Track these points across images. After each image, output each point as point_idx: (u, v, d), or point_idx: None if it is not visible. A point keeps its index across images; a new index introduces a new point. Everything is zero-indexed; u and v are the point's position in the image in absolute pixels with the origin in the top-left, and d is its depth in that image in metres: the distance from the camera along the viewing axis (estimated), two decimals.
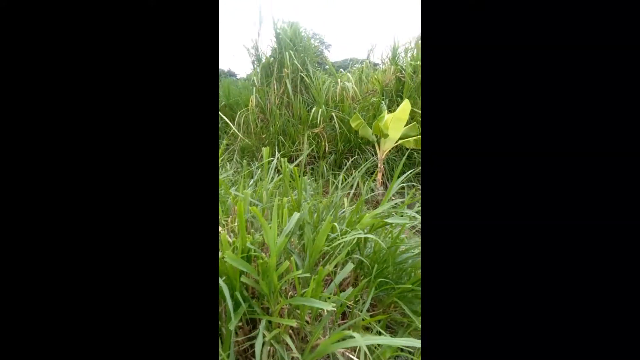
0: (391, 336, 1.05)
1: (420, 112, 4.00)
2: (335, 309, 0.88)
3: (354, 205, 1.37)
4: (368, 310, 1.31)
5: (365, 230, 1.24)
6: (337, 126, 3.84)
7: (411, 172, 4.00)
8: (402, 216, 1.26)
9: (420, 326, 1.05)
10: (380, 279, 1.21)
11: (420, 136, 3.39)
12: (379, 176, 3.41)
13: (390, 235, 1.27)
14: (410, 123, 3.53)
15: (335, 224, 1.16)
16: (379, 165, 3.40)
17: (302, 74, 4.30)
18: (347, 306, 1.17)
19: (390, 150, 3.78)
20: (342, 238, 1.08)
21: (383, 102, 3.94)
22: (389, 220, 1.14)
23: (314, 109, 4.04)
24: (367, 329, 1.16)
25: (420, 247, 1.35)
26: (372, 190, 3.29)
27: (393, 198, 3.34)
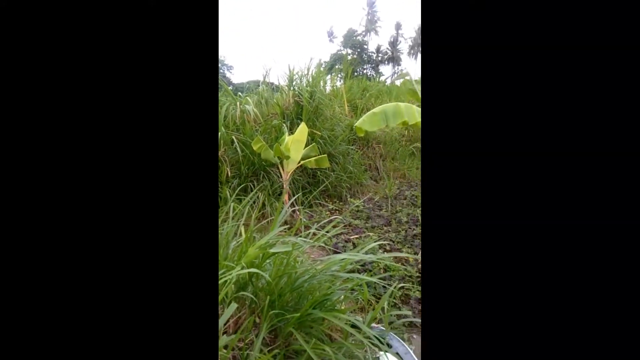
0: None
1: (319, 133, 4.24)
2: None
3: (245, 235, 1.30)
4: (268, 345, 1.24)
5: (258, 260, 1.18)
6: (239, 149, 3.73)
7: (317, 191, 4.12)
8: (288, 244, 1.25)
9: (311, 353, 1.04)
10: (275, 311, 1.16)
11: (321, 156, 3.57)
12: (286, 197, 3.42)
13: (284, 262, 1.25)
14: (310, 144, 3.69)
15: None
16: (284, 186, 3.42)
17: None
18: (239, 348, 1.07)
19: (294, 171, 3.86)
20: (223, 276, 0.99)
21: (284, 124, 4.03)
22: (273, 250, 1.11)
23: None
24: None
25: (313, 268, 1.36)
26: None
27: (302, 219, 3.39)
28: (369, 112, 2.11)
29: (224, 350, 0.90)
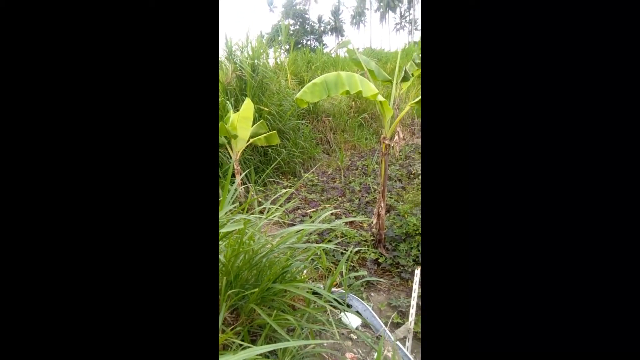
0: (250, 346, 1.01)
1: (266, 109, 4.09)
2: None
3: None
4: (231, 324, 1.24)
5: None
6: None
7: (270, 168, 4.06)
8: (240, 221, 1.22)
9: (274, 325, 1.06)
10: (234, 290, 1.15)
11: (270, 132, 3.47)
12: (237, 177, 3.31)
13: (239, 241, 1.22)
14: (257, 121, 3.56)
15: None
16: (235, 166, 3.29)
17: None
18: None
19: (244, 150, 3.73)
20: None
21: (228, 101, 3.81)
22: (223, 230, 1.08)
23: None
24: (227, 347, 1.08)
25: (273, 242, 1.37)
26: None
27: (259, 199, 3.33)
28: (309, 83, 2.07)
29: None
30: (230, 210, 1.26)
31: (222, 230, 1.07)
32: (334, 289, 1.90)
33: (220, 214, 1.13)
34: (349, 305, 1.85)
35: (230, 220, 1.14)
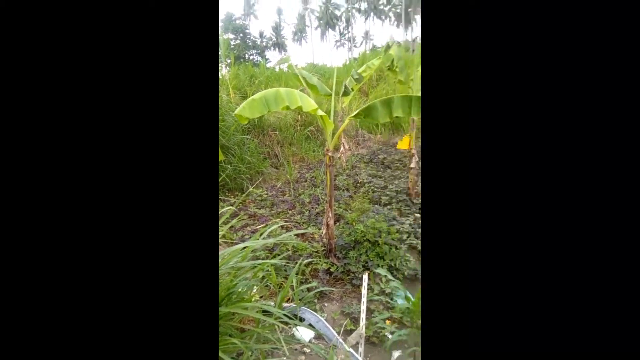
0: None
1: None
2: None
3: None
4: None
5: None
6: None
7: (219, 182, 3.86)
8: None
9: (220, 353, 1.01)
10: None
11: None
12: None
13: None
14: None
15: None
16: None
17: None
18: None
19: None
20: None
21: None
22: None
23: None
24: None
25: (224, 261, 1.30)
26: None
27: None
28: (248, 99, 2.07)
29: None
30: None
31: None
32: (286, 304, 1.87)
33: None
34: (301, 319, 1.83)
35: None
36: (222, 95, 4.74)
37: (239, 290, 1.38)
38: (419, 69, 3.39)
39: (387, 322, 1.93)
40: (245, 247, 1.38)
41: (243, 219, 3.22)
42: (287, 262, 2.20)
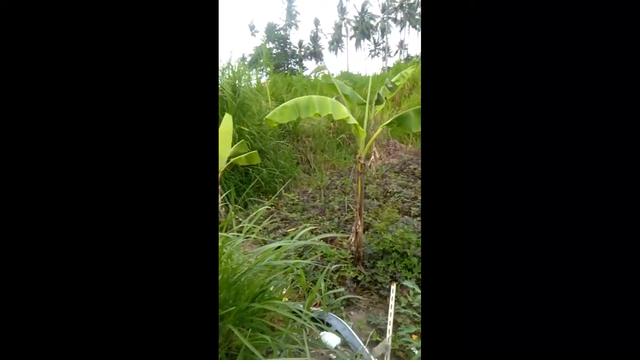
0: None
1: (246, 129, 4.14)
2: None
3: None
4: None
5: None
6: None
7: (250, 187, 4.04)
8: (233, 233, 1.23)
9: (250, 347, 1.06)
10: None
11: (251, 152, 3.50)
12: (218, 198, 3.28)
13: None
14: (238, 141, 3.59)
15: None
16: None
17: None
18: None
19: (225, 169, 3.71)
20: None
21: None
22: None
23: None
24: None
25: (248, 261, 1.37)
26: None
27: (237, 218, 3.29)
28: (280, 106, 2.16)
29: None
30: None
31: None
32: (313, 308, 1.89)
33: None
34: (328, 324, 1.84)
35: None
36: (262, 102, 4.96)
37: (271, 289, 1.43)
38: None
39: (414, 337, 1.88)
40: (278, 247, 1.43)
41: (275, 221, 3.32)
42: (318, 265, 2.24)
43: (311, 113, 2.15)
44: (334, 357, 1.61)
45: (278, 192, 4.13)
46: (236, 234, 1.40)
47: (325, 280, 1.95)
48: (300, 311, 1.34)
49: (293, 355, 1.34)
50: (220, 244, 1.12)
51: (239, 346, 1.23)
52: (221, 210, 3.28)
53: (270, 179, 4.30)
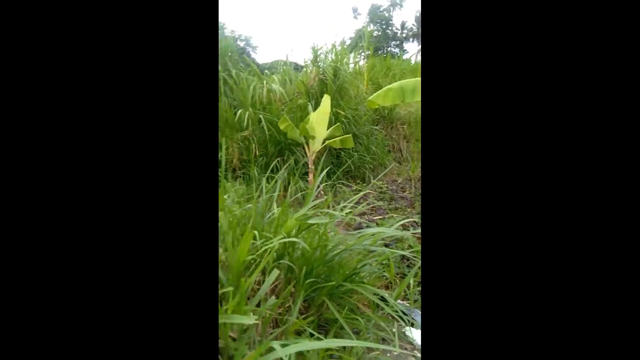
0: (321, 337, 1.05)
1: (342, 112, 4.18)
2: (257, 321, 0.84)
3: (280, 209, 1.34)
4: (302, 313, 1.30)
5: (293, 232, 1.22)
6: (265, 128, 3.77)
7: (340, 171, 4.13)
8: (326, 215, 1.28)
9: (343, 323, 1.08)
10: (310, 280, 1.21)
11: (346, 135, 3.54)
12: (310, 177, 3.46)
13: (317, 235, 1.29)
14: (334, 124, 3.66)
15: (255, 231, 1.12)
16: (310, 165, 3.44)
17: (223, 75, 4.10)
18: (279, 313, 1.14)
19: (320, 151, 3.87)
20: (264, 245, 1.04)
21: (309, 104, 4.01)
22: (311, 221, 1.14)
23: (239, 111, 3.89)
24: (299, 333, 1.14)
25: (345, 242, 1.40)
26: (301, 190, 3.31)
27: (331, 196, 3.43)
28: (385, 87, 2.05)
29: (268, 311, 0.96)
30: (314, 205, 1.32)
31: (309, 221, 1.15)
32: (399, 301, 1.84)
33: (307, 207, 1.21)
34: (413, 321, 1.77)
35: (314, 214, 1.21)
36: (359, 85, 4.91)
37: (362, 273, 1.44)
38: None
39: None
40: (375, 233, 1.42)
41: (364, 207, 3.32)
42: (409, 254, 2.16)
43: (417, 97, 2.01)
44: (419, 355, 1.55)
45: (368, 180, 4.10)
46: (337, 213, 1.43)
47: (415, 275, 1.86)
48: (387, 301, 1.31)
49: (379, 341, 1.33)
50: (327, 220, 1.16)
51: (327, 319, 1.29)
52: (320, 191, 3.46)
53: (360, 163, 4.30)
